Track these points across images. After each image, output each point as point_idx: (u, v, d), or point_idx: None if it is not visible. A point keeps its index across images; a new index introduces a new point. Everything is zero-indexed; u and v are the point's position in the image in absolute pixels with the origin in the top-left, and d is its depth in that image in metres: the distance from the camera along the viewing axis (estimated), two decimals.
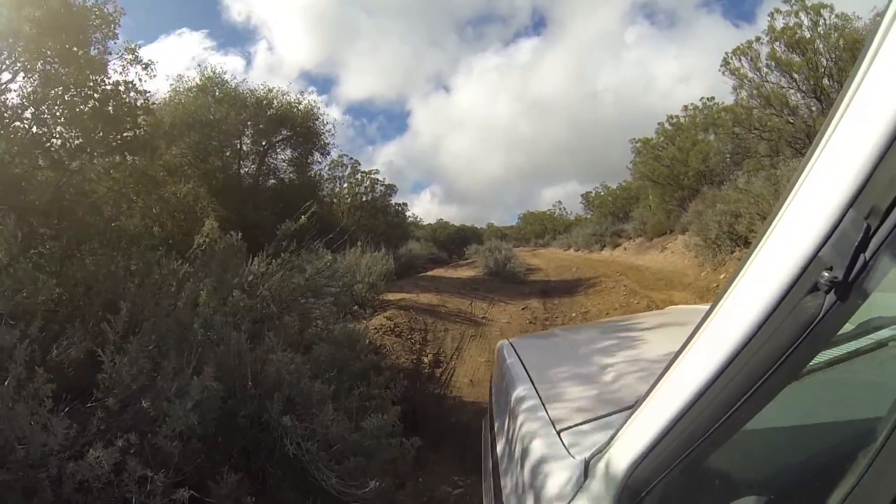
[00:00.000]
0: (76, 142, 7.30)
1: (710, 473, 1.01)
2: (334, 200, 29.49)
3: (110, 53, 8.51)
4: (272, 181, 22.44)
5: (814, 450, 1.08)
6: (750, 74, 18.93)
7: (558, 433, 1.66)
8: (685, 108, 28.28)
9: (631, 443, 1.04)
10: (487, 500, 2.35)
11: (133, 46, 8.89)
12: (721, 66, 19.80)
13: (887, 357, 1.25)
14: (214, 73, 21.30)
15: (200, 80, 20.99)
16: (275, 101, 22.35)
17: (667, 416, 0.93)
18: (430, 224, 50.44)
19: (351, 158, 31.66)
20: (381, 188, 32.47)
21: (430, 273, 24.05)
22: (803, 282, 0.68)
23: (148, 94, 8.68)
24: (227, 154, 21.33)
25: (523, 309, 13.16)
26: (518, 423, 1.93)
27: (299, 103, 22.93)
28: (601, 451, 1.20)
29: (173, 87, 20.79)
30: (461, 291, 15.70)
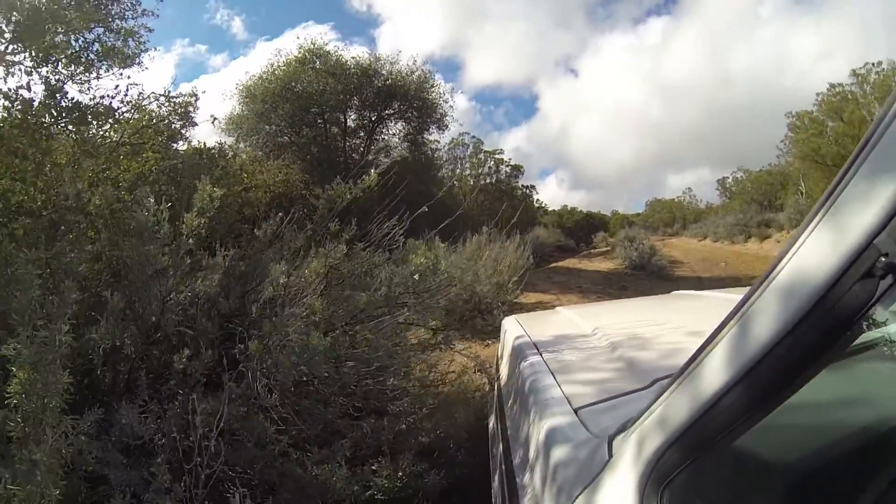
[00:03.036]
0: None
1: (745, 456, 1.01)
2: (455, 182, 26.93)
3: None
4: (384, 159, 19.76)
5: (854, 433, 1.07)
6: None
7: (575, 411, 1.63)
8: (854, 73, 24.82)
9: (663, 422, 1.01)
10: (497, 482, 2.34)
11: None
12: None
13: None
14: (314, 44, 19.20)
15: (299, 52, 18.95)
16: (383, 71, 19.65)
17: (705, 397, 0.90)
18: (555, 210, 47.28)
19: (473, 137, 29.50)
20: (507, 169, 29.88)
21: (562, 264, 20.97)
22: (857, 267, 0.68)
23: None
24: (321, 123, 19.14)
25: None
26: (531, 401, 1.91)
27: (411, 73, 20.15)
28: (626, 429, 1.18)
29: (270, 61, 19.02)
30: (608, 291, 13.25)
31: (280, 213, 3.86)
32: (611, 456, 1.20)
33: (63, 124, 4.46)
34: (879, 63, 23.25)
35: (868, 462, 0.97)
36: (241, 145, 17.72)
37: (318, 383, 2.79)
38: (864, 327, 0.71)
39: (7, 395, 1.66)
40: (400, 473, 2.66)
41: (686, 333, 2.29)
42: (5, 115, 3.87)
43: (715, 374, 0.89)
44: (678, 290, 4.88)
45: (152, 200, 2.63)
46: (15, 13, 4.48)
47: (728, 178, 44.62)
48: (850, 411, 1.20)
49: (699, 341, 0.95)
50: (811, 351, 0.75)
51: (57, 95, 4.35)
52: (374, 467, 2.57)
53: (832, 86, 25.55)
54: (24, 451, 1.55)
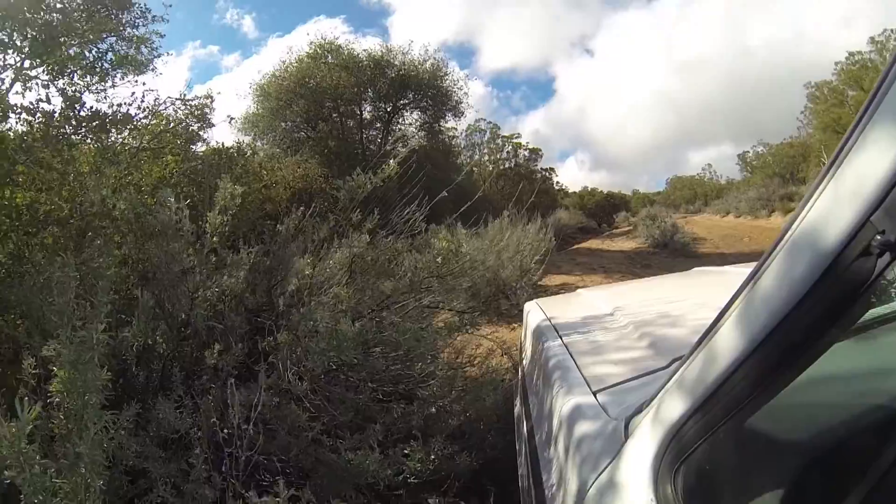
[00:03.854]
0: None
1: (756, 433, 1.02)
2: (474, 169, 26.94)
3: None
4: (400, 147, 19.83)
5: (861, 409, 1.10)
6: None
7: (594, 393, 1.65)
8: (872, 40, 24.26)
9: (675, 402, 1.03)
10: (523, 465, 2.37)
11: None
12: None
13: None
14: (325, 40, 19.34)
15: (310, 48, 19.09)
16: (395, 61, 19.67)
17: (713, 376, 0.92)
18: (575, 192, 46.96)
19: (489, 122, 29.48)
20: (525, 153, 29.84)
21: (584, 245, 20.92)
22: (855, 245, 0.70)
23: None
24: (337, 117, 19.23)
25: None
26: (552, 384, 1.95)
27: (424, 61, 20.17)
28: (641, 410, 1.21)
29: (282, 59, 19.27)
30: (633, 270, 13.25)
31: (301, 208, 3.91)
32: (627, 437, 1.22)
33: (83, 133, 4.54)
34: None
35: (884, 437, 0.96)
36: (259, 143, 17.96)
37: (347, 370, 2.85)
38: (869, 303, 0.73)
39: (49, 394, 1.72)
40: (432, 456, 2.70)
41: (708, 310, 2.22)
42: (28, 128, 3.96)
43: (723, 352, 0.91)
44: (701, 266, 4.84)
45: (173, 200, 2.70)
46: (29, 29, 4.56)
47: (749, 152, 44.11)
48: (876, 384, 1.20)
49: None
50: (816, 327, 0.76)
51: (76, 106, 4.43)
52: (405, 451, 2.61)
53: (851, 54, 25.27)
54: (68, 444, 1.61)
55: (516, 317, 7.30)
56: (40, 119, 4.05)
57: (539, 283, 9.42)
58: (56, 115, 4.19)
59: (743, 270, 3.26)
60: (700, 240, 19.76)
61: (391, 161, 3.54)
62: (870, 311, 0.96)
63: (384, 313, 3.19)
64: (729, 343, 0.90)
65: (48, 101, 4.22)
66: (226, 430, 2.36)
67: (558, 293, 9.04)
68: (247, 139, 17.77)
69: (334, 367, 2.75)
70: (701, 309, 2.27)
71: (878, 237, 0.67)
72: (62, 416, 1.69)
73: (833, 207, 0.73)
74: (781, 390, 0.85)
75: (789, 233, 0.81)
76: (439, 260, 3.19)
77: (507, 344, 5.80)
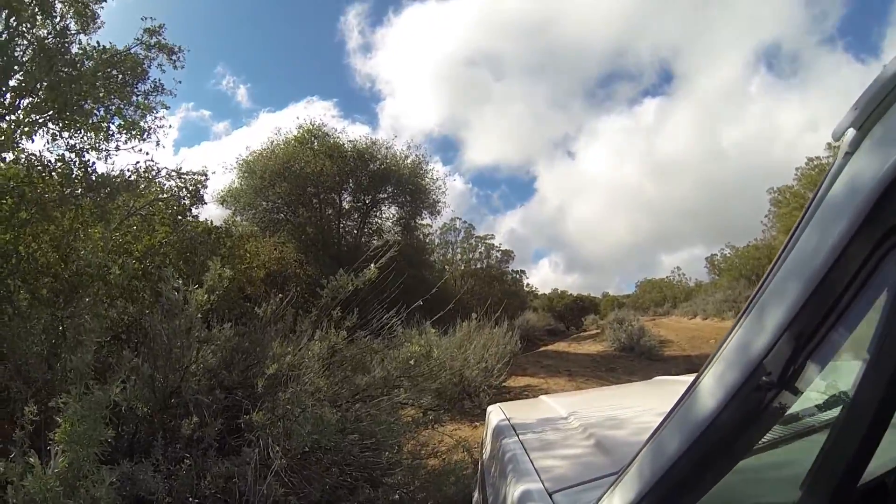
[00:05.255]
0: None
1: None
2: (446, 267, 27.06)
3: None
4: (375, 241, 19.97)
5: None
6: None
7: (550, 495, 1.75)
8: (829, 146, 25.52)
9: (618, 499, 1.19)
10: None
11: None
12: None
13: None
14: (314, 125, 19.83)
15: (299, 132, 19.55)
16: (378, 155, 20.19)
17: (646, 481, 1.10)
18: (545, 294, 47.03)
19: (465, 222, 29.75)
20: (497, 254, 30.12)
21: (551, 348, 20.88)
22: (752, 381, 0.91)
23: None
24: (317, 203, 19.50)
25: None
26: (510, 485, 2.03)
27: (406, 157, 20.70)
28: None
29: (270, 139, 19.64)
30: (597, 374, 13.01)
31: (280, 295, 4.06)
32: None
33: (91, 196, 4.68)
34: None
35: None
36: (238, 218, 18.05)
37: (321, 453, 2.95)
38: (763, 426, 0.94)
39: (49, 440, 1.82)
40: None
41: (655, 416, 2.41)
42: (41, 184, 4.09)
43: (655, 462, 1.09)
44: (667, 369, 5.01)
45: (181, 282, 2.85)
46: (56, 90, 4.75)
47: (717, 255, 44.98)
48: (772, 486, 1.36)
49: None
50: (725, 443, 0.96)
51: (88, 169, 4.60)
52: None
53: (810, 159, 26.41)
54: (83, 490, 1.70)
55: (478, 416, 7.36)
56: (58, 180, 4.20)
57: (503, 384, 9.49)
58: (72, 176, 4.35)
59: None
60: (667, 342, 19.72)
61: (372, 266, 3.78)
62: (787, 427, 1.31)
63: (357, 405, 3.33)
64: (660, 455, 1.08)
65: (63, 160, 4.39)
66: (193, 500, 2.43)
67: (522, 394, 9.15)
68: (227, 213, 18.00)
69: (308, 450, 2.86)
70: (647, 414, 2.53)
71: (765, 378, 0.88)
72: (65, 464, 1.78)
73: (740, 350, 0.95)
74: (704, 494, 1.02)
75: (712, 364, 1.02)
76: (412, 362, 3.40)
77: (469, 441, 5.87)
